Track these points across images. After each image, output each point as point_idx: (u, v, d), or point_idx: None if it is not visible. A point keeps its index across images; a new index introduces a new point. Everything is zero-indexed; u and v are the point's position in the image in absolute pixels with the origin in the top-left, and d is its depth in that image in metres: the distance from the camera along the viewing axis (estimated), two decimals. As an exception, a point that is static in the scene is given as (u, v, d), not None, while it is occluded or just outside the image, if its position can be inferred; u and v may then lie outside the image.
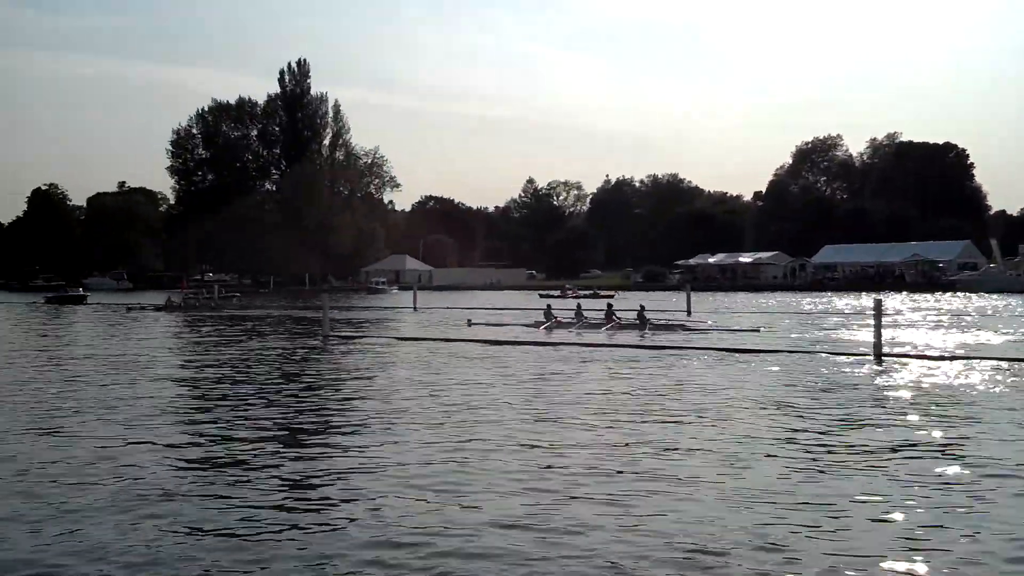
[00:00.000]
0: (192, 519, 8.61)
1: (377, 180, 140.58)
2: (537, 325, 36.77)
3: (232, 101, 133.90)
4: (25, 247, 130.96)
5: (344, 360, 25.05)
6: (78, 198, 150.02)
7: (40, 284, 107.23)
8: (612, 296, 69.25)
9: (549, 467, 10.72)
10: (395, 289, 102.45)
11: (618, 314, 37.11)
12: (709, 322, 38.41)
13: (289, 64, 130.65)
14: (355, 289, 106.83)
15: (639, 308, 36.68)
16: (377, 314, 52.60)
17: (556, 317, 37.94)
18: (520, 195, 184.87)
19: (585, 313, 38.17)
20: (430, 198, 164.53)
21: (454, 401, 16.32)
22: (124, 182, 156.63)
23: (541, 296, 70.78)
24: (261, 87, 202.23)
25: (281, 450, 12.04)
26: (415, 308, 55.27)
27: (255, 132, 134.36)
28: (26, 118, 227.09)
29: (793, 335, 32.39)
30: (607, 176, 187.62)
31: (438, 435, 12.98)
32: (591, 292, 78.93)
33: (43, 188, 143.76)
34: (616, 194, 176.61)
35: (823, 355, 24.09)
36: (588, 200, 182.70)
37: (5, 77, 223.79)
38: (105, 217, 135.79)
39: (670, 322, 36.01)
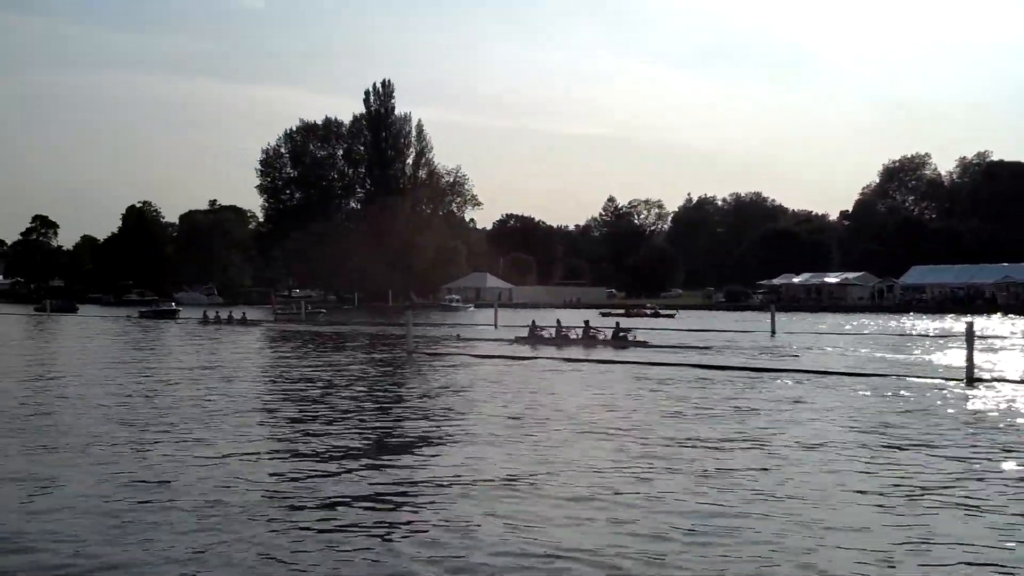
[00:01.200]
0: (281, 525, 8.98)
1: (459, 198, 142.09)
2: (519, 340, 38.64)
3: (319, 121, 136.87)
4: (119, 262, 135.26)
5: (426, 374, 25.47)
6: (171, 215, 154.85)
7: (134, 299, 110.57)
8: (652, 313, 74.96)
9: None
10: (471, 307, 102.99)
11: (598, 330, 38.49)
12: (793, 347, 37.93)
13: (374, 85, 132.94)
14: (429, 306, 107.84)
15: (615, 325, 38.46)
16: (459, 331, 53.03)
17: (540, 329, 39.55)
18: (600, 213, 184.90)
19: (576, 330, 38.71)
20: (511, 216, 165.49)
21: (544, 415, 16.54)
22: (215, 200, 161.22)
23: (602, 315, 71.40)
24: (347, 107, 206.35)
25: (368, 462, 12.37)
26: (496, 326, 55.57)
27: (341, 151, 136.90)
28: (122, 137, 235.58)
29: (880, 356, 31.81)
30: (688, 194, 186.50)
31: (519, 447, 13.20)
32: (652, 312, 79.01)
33: (137, 205, 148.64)
34: (698, 212, 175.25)
35: (912, 379, 23.63)
36: (669, 218, 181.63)
37: (104, 98, 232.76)
38: (196, 234, 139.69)
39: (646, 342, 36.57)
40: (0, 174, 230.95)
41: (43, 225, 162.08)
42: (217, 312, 66.82)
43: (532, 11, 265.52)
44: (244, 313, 64.17)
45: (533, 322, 41.60)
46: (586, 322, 40.48)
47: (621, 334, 37.12)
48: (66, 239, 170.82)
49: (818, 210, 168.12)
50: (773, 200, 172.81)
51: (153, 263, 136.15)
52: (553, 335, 38.67)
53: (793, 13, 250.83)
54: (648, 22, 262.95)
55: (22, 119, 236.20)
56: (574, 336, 38.03)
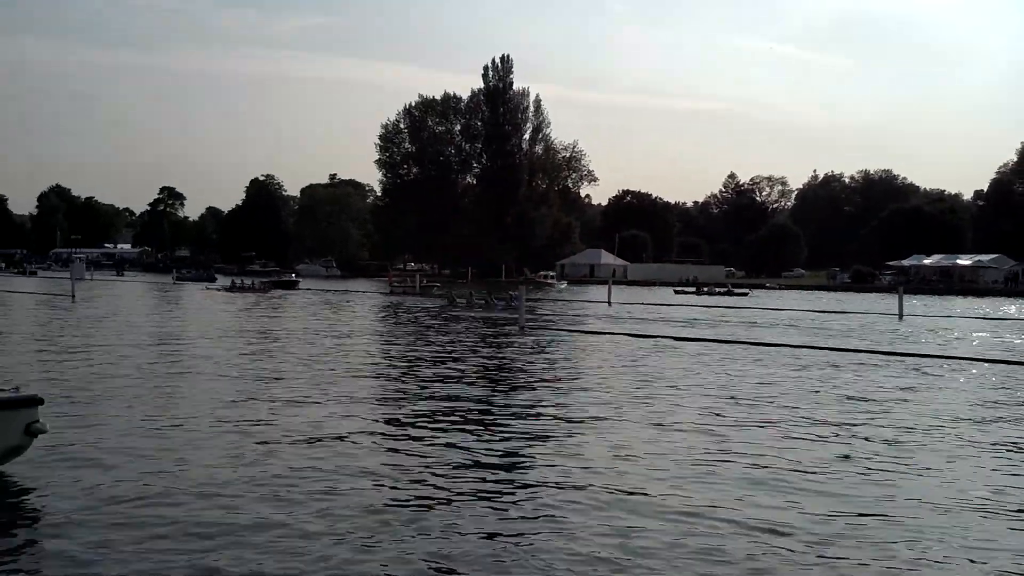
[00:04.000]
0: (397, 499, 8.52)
1: (575, 174, 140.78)
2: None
3: (438, 97, 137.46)
4: (243, 234, 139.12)
5: (537, 348, 25.05)
6: (292, 188, 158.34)
7: (256, 269, 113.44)
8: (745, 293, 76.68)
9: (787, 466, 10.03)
10: (564, 284, 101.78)
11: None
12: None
13: (493, 60, 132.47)
14: (528, 282, 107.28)
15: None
16: (573, 308, 52.46)
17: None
18: (721, 190, 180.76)
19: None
20: (627, 192, 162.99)
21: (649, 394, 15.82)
22: (335, 174, 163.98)
23: (676, 292, 75.30)
24: (465, 83, 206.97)
25: (476, 441, 11.91)
26: (609, 303, 54.67)
27: (458, 127, 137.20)
28: (247, 113, 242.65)
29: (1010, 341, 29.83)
30: (814, 171, 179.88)
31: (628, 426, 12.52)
32: (725, 290, 78.07)
33: (260, 179, 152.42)
34: (824, 190, 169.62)
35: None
36: (793, 196, 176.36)
37: (229, 75, 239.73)
38: (316, 207, 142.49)
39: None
40: (131, 146, 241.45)
41: (170, 196, 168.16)
42: (243, 280, 70.89)
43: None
44: (262, 282, 70.17)
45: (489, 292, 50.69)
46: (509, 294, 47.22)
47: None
48: (192, 210, 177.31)
49: (951, 189, 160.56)
50: (904, 178, 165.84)
51: (275, 235, 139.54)
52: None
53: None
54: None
55: (153, 94, 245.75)
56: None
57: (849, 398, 16.28)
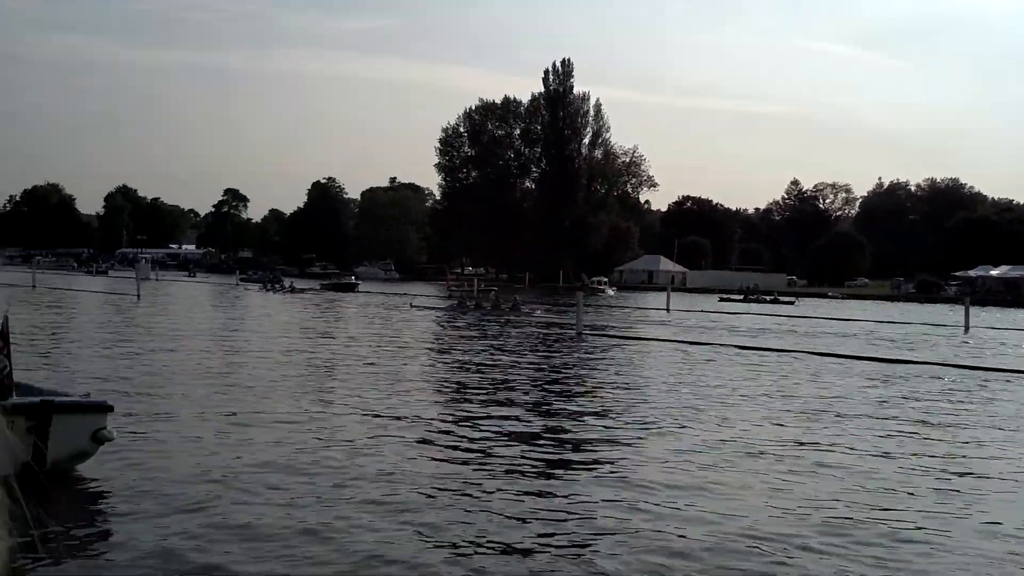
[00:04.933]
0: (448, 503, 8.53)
1: (634, 179, 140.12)
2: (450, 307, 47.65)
3: (497, 100, 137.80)
4: (304, 236, 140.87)
5: (596, 354, 24.98)
6: (353, 191, 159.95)
7: (316, 271, 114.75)
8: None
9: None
10: (612, 290, 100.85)
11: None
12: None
13: (553, 64, 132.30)
14: (583, 288, 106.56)
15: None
16: (630, 314, 52.22)
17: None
18: (783, 196, 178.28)
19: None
20: (687, 198, 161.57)
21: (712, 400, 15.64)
22: (395, 177, 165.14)
23: (721, 300, 76.03)
24: (524, 85, 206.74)
25: (534, 443, 11.87)
26: (668, 310, 54.26)
27: (518, 131, 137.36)
28: (309, 115, 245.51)
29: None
30: (879, 179, 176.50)
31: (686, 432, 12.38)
32: (772, 298, 77.78)
33: (322, 181, 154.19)
34: (888, 198, 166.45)
35: None
36: (857, 204, 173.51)
37: (292, 77, 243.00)
38: (376, 210, 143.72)
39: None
40: (196, 148, 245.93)
41: (234, 198, 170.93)
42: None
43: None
44: (292, 283, 73.08)
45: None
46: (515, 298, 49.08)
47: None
48: (255, 212, 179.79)
49: (1020, 199, 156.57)
50: (971, 187, 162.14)
51: (335, 238, 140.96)
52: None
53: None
54: (832, 1, 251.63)
55: (217, 95, 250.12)
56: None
57: (924, 421, 15.85)
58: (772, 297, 78.86)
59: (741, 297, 78.24)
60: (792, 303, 73.47)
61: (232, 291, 68.64)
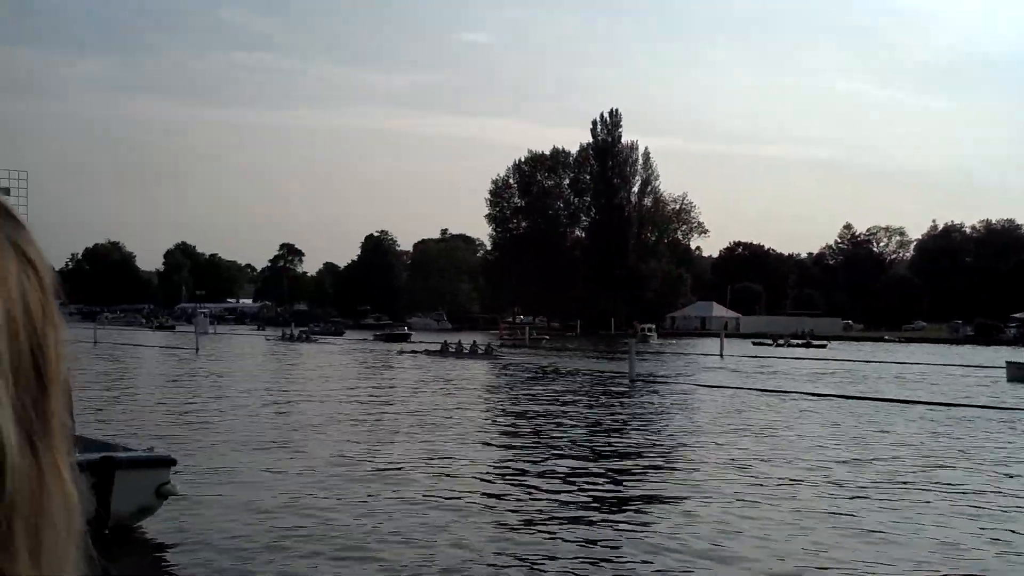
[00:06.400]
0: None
1: (684, 226, 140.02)
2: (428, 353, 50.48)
3: (547, 151, 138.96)
4: (358, 288, 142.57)
5: (649, 401, 25.00)
6: (405, 243, 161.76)
7: (370, 323, 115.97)
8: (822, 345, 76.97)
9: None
10: (654, 336, 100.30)
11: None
12: None
13: (601, 114, 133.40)
14: (634, 335, 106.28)
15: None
16: (684, 360, 51.98)
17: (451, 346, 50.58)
18: (836, 240, 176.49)
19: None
20: (738, 244, 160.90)
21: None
22: (446, 229, 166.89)
23: (754, 344, 76.95)
24: (574, 137, 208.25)
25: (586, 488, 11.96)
26: (721, 355, 53.89)
27: (567, 181, 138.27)
28: (362, 169, 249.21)
29: None
30: (934, 221, 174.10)
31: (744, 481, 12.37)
32: (804, 342, 79.70)
33: (375, 234, 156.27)
34: (944, 241, 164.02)
35: None
36: (912, 247, 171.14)
37: (344, 132, 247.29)
38: (428, 261, 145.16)
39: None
40: (254, 204, 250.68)
41: (290, 253, 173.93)
42: (297, 331, 77.61)
43: (761, 37, 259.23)
44: (301, 330, 77.01)
45: (445, 341, 52.60)
46: (474, 341, 51.77)
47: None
48: (310, 265, 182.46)
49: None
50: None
51: (388, 289, 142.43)
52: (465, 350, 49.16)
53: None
54: (889, 44, 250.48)
55: (273, 152, 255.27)
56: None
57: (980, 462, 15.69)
58: (804, 341, 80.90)
59: (771, 342, 79.97)
60: (824, 346, 75.29)
61: (280, 344, 69.53)
